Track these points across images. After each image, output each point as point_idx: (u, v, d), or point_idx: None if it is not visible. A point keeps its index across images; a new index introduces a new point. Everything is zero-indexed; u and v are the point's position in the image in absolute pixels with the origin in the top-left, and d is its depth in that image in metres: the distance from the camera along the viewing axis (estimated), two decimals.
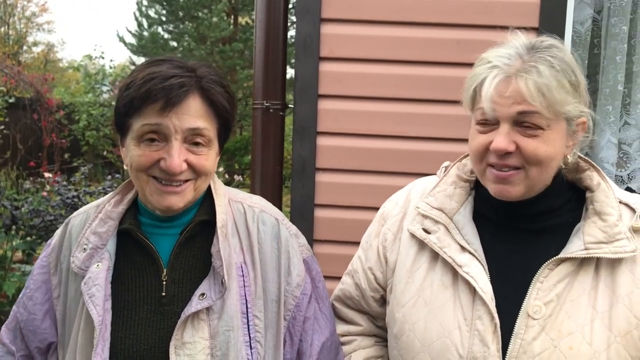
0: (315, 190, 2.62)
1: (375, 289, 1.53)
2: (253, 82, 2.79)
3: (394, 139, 2.59)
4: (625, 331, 1.25)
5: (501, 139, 1.26)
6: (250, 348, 1.33)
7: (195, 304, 1.29)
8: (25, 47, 25.34)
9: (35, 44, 26.39)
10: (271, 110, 2.71)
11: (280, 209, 1.57)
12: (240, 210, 1.44)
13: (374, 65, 2.58)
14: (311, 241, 2.60)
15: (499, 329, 1.28)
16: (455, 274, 1.36)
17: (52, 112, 11.69)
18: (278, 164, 2.76)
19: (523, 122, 1.26)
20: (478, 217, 1.42)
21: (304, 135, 2.61)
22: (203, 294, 1.30)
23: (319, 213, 2.63)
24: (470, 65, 2.51)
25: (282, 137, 2.78)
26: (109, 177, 8.21)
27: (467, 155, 1.50)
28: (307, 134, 2.60)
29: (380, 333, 1.59)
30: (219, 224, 1.35)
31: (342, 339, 1.58)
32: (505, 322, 1.29)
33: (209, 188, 1.42)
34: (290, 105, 2.78)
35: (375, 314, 1.56)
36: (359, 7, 2.56)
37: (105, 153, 12.87)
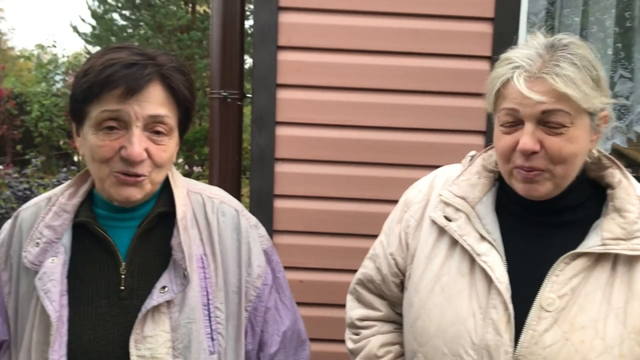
0: (275, 180, 2.61)
1: (395, 274, 1.55)
2: (210, 71, 2.75)
3: (353, 129, 2.60)
4: (639, 328, 1.27)
5: (527, 138, 1.26)
6: (212, 340, 1.32)
7: (156, 297, 1.27)
8: None
9: None
10: (229, 100, 2.68)
11: (239, 200, 1.56)
12: (199, 201, 1.42)
13: (332, 54, 2.57)
14: (271, 232, 2.60)
15: (512, 319, 1.30)
16: (472, 262, 1.38)
17: (4, 101, 11.33)
18: (236, 154, 2.74)
19: (548, 122, 1.26)
20: (500, 208, 1.43)
21: (263, 125, 2.59)
22: (164, 287, 1.28)
23: (278, 204, 2.62)
24: (428, 55, 2.56)
25: (240, 127, 2.75)
26: (64, 169, 8.03)
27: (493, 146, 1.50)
28: (266, 124, 2.59)
29: (399, 319, 1.60)
30: (179, 215, 1.33)
31: (361, 324, 1.62)
32: (520, 313, 1.30)
33: (167, 179, 1.39)
34: (248, 95, 2.76)
35: (395, 299, 1.59)
36: None
37: (61, 144, 12.54)
